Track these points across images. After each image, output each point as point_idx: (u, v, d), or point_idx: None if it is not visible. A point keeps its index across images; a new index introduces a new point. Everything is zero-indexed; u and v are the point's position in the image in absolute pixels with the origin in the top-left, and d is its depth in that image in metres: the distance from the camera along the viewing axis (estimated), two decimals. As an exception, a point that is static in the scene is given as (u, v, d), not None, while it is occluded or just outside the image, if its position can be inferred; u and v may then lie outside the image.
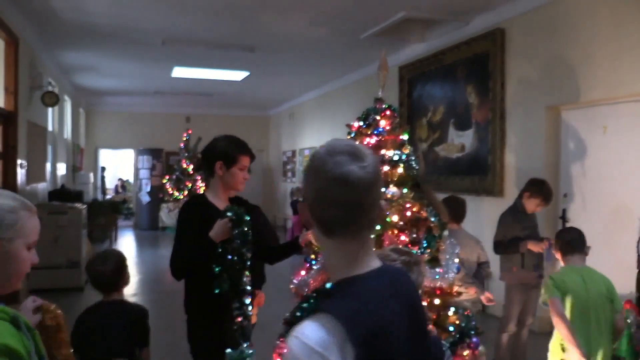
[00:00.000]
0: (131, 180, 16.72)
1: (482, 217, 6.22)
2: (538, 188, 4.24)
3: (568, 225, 5.14)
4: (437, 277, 2.21)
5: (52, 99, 7.72)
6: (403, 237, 2.30)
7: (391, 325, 1.09)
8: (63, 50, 8.35)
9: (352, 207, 1.10)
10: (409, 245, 2.31)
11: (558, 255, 3.20)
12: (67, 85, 10.85)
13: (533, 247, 4.11)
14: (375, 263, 1.17)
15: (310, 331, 1.02)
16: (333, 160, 1.10)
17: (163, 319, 5.77)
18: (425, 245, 2.33)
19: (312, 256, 2.57)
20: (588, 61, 4.94)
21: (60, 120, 9.96)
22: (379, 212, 1.19)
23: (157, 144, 14.52)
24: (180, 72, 9.82)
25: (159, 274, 8.37)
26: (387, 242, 2.30)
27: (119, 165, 18.35)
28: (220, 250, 2.32)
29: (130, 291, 7.28)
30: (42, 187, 8.22)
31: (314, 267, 2.46)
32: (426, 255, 2.27)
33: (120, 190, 17.87)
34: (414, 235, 2.33)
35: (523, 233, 4.20)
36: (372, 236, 1.21)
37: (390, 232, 2.31)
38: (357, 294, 1.08)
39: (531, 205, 4.23)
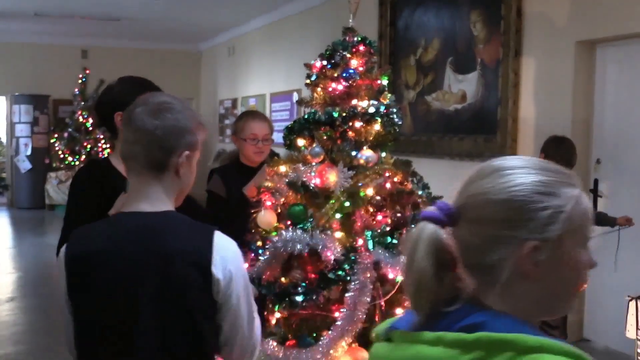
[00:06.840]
0: (4, 139, 16.35)
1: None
2: (555, 147, 4.35)
3: (601, 201, 5.27)
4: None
5: None
6: (381, 217, 2.32)
7: (104, 257, 1.72)
8: None
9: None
10: (390, 228, 2.33)
11: None
12: None
13: None
14: (143, 206, 1.79)
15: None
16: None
17: (50, 334, 5.72)
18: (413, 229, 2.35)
19: (259, 243, 2.58)
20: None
21: None
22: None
23: (40, 88, 14.19)
24: (72, -14, 9.54)
25: (46, 269, 8.25)
26: (359, 224, 2.31)
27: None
28: None
29: (5, 294, 7.18)
30: None
31: (262, 258, 2.46)
32: None
33: (-12, 153, 17.48)
34: (399, 215, 2.35)
35: None
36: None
37: (363, 211, 2.32)
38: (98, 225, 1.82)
39: None
